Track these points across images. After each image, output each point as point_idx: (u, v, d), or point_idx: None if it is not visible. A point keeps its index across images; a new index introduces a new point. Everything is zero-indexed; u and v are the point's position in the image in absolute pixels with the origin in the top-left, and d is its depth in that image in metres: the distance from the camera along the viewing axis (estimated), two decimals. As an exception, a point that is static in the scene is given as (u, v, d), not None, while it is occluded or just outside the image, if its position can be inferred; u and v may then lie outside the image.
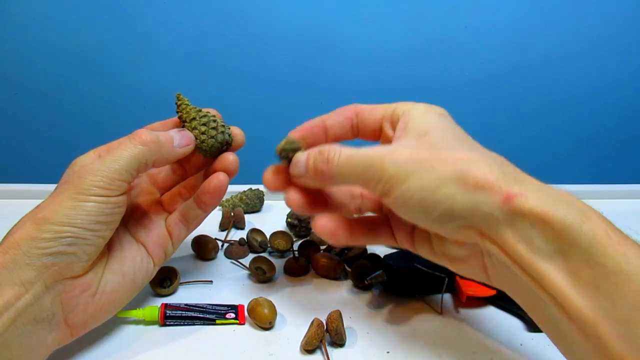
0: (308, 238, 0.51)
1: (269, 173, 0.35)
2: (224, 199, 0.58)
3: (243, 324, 0.39)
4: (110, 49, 1.01)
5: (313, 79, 1.07)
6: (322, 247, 0.49)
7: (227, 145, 0.40)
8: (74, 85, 1.03)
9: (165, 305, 0.39)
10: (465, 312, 0.41)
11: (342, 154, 0.31)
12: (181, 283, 0.43)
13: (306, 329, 0.37)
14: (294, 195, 0.34)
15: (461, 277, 0.39)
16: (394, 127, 0.33)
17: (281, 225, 0.55)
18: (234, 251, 0.49)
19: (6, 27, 0.98)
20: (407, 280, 0.42)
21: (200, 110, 0.39)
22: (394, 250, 0.46)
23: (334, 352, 0.36)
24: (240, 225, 0.54)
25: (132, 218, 0.39)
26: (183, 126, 0.39)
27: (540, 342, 0.38)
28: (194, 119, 0.38)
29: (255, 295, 0.40)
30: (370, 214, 0.37)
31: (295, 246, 0.49)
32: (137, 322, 0.39)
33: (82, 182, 0.32)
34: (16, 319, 0.29)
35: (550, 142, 1.17)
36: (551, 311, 0.26)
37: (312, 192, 0.35)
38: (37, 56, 1.00)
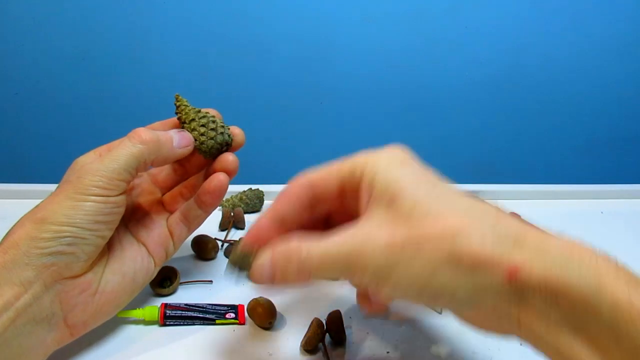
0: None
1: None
2: (223, 199, 0.57)
3: (243, 324, 0.39)
4: (110, 48, 1.01)
5: (313, 79, 1.06)
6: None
7: (226, 146, 0.40)
8: (74, 85, 1.03)
9: (165, 305, 0.39)
10: (465, 312, 0.41)
11: (312, 254, 0.27)
12: (181, 283, 0.43)
13: (306, 329, 0.37)
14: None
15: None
16: (355, 191, 0.29)
17: (281, 225, 0.55)
18: (234, 251, 0.48)
19: (6, 27, 0.98)
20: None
21: (199, 111, 0.39)
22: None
23: (334, 352, 0.36)
24: (240, 225, 0.54)
25: (133, 218, 0.39)
26: (182, 127, 0.39)
27: (540, 342, 0.38)
28: (193, 120, 0.38)
29: (255, 295, 0.40)
30: None
31: (295, 246, 0.49)
32: (137, 322, 0.39)
33: (81, 182, 0.32)
34: (15, 319, 0.29)
35: (550, 142, 1.17)
36: None
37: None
38: (37, 56, 1.00)
